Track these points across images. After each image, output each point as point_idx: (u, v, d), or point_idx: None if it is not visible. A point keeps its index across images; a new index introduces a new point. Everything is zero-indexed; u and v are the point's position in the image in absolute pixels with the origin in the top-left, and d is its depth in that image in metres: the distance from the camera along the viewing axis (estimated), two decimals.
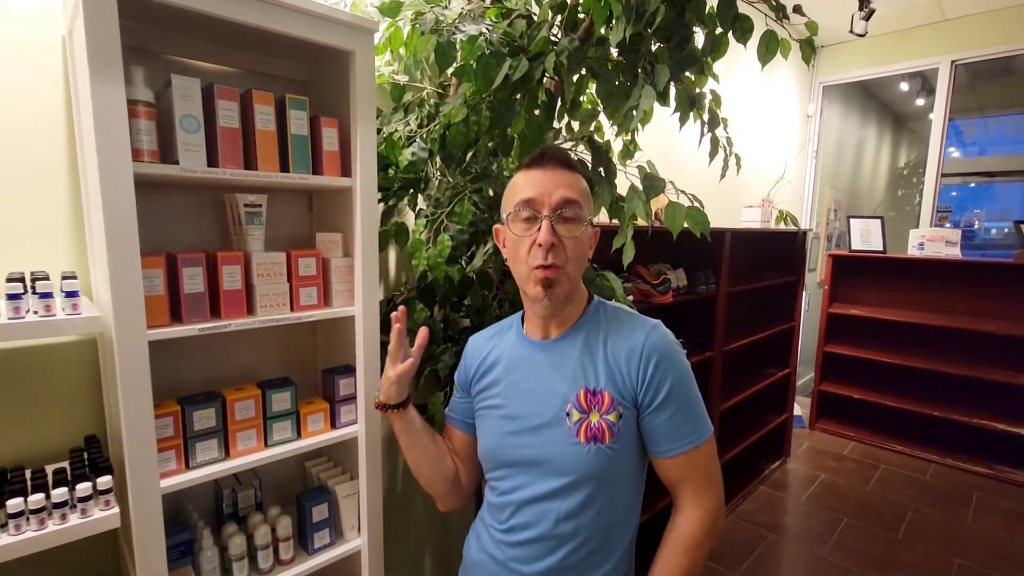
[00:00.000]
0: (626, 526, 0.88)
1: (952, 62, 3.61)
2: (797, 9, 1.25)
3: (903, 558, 2.33)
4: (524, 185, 0.83)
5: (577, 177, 0.85)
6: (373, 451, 1.23)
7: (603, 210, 1.23)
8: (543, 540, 0.84)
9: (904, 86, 4.50)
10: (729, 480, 2.85)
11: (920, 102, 4.69)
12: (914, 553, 2.36)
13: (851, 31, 3.04)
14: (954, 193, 5.35)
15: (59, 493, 0.85)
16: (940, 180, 3.75)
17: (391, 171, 1.30)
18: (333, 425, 1.21)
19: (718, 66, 1.33)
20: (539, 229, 0.80)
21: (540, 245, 0.79)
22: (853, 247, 3.58)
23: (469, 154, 1.34)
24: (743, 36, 1.21)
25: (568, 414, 0.82)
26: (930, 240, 3.31)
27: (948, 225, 3.80)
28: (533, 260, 0.81)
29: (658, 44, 1.25)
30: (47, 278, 0.86)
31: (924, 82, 4.37)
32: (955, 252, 3.24)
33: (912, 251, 3.38)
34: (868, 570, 2.24)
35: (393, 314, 0.89)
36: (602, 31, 1.16)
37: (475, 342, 1.00)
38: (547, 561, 0.84)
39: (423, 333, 0.91)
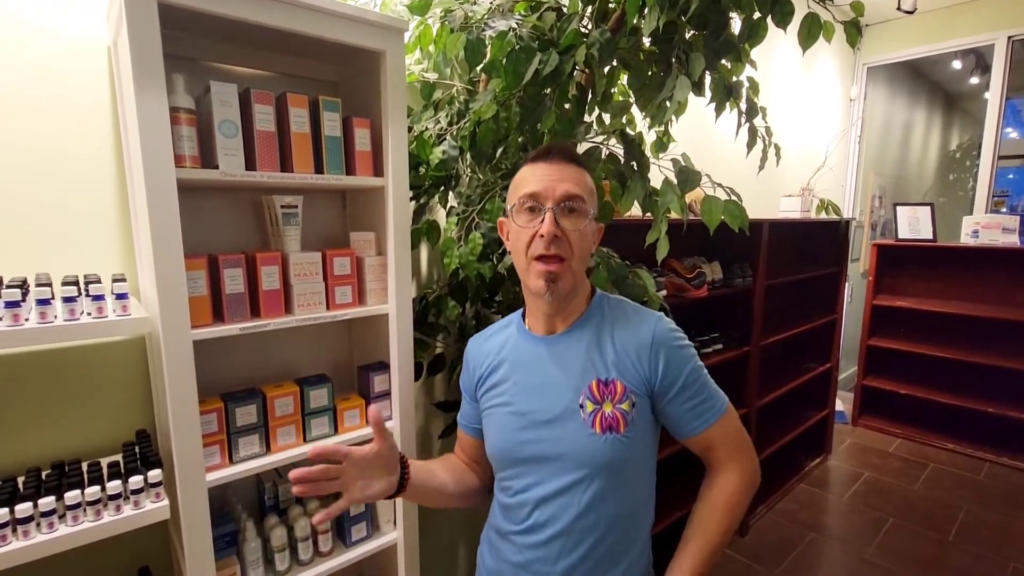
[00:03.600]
0: (644, 515, 0.88)
1: (1009, 38, 3.39)
2: None
3: (954, 561, 2.23)
4: (529, 178, 0.83)
5: (582, 173, 0.85)
6: (408, 446, 1.25)
7: (636, 204, 1.21)
8: (565, 535, 0.83)
9: (957, 64, 4.25)
10: (767, 477, 2.77)
11: (974, 80, 4.42)
12: (966, 556, 2.26)
13: (899, 8, 2.89)
14: (1011, 176, 5.02)
15: (113, 486, 0.89)
16: (997, 163, 3.54)
17: (422, 169, 1.31)
18: (368, 421, 1.23)
19: (754, 50, 1.28)
20: (542, 221, 0.80)
21: (542, 236, 0.80)
22: (900, 236, 3.41)
23: (499, 151, 1.34)
24: (783, 20, 1.16)
25: (582, 406, 0.82)
26: (985, 227, 3.13)
27: (1005, 211, 3.59)
28: (534, 251, 0.81)
29: (692, 32, 1.21)
30: (99, 281, 0.90)
31: (979, 59, 4.12)
32: (1013, 240, 3.06)
33: (965, 239, 3.20)
34: (916, 573, 2.16)
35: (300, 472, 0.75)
36: (634, 21, 1.13)
37: (475, 345, 0.99)
38: (571, 558, 0.83)
39: (373, 413, 0.83)
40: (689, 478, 0.95)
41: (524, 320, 0.94)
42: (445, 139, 1.31)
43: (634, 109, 1.39)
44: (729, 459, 0.86)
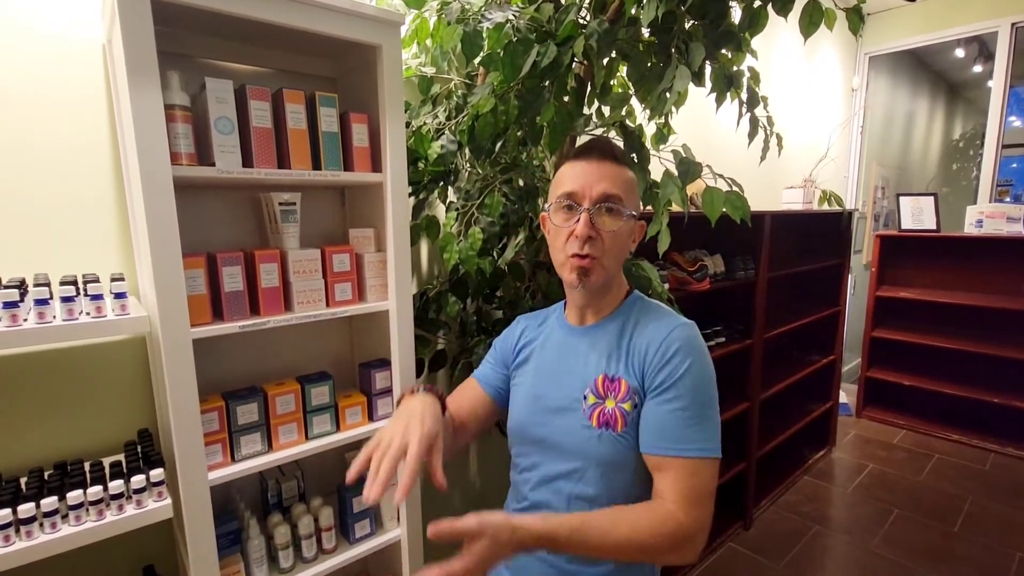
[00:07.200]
0: None
1: (1012, 25, 3.36)
2: None
3: (959, 552, 2.22)
4: (569, 177, 0.85)
5: (623, 170, 0.85)
6: None
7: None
8: None
9: (959, 52, 4.21)
10: (770, 469, 2.79)
11: (977, 69, 4.38)
12: (971, 546, 2.25)
13: None
14: (1015, 165, 4.99)
15: (115, 485, 0.89)
16: (1000, 152, 3.51)
17: (421, 164, 1.30)
18: (370, 418, 1.23)
19: (754, 39, 1.26)
20: (577, 221, 0.81)
21: (577, 236, 0.81)
22: (903, 226, 3.40)
23: (498, 145, 1.33)
24: (783, 8, 1.14)
25: (584, 398, 0.84)
26: (989, 216, 3.11)
27: (1009, 200, 3.56)
28: (569, 249, 0.83)
29: (692, 21, 1.20)
30: (97, 280, 0.90)
31: (982, 47, 4.08)
32: (1017, 229, 3.04)
33: (969, 229, 3.18)
34: (921, 564, 2.15)
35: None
36: (633, 11, 1.11)
37: (524, 320, 1.03)
38: None
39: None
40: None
41: (564, 309, 0.97)
42: (443, 134, 1.30)
43: (634, 101, 1.38)
44: (684, 506, 0.73)
